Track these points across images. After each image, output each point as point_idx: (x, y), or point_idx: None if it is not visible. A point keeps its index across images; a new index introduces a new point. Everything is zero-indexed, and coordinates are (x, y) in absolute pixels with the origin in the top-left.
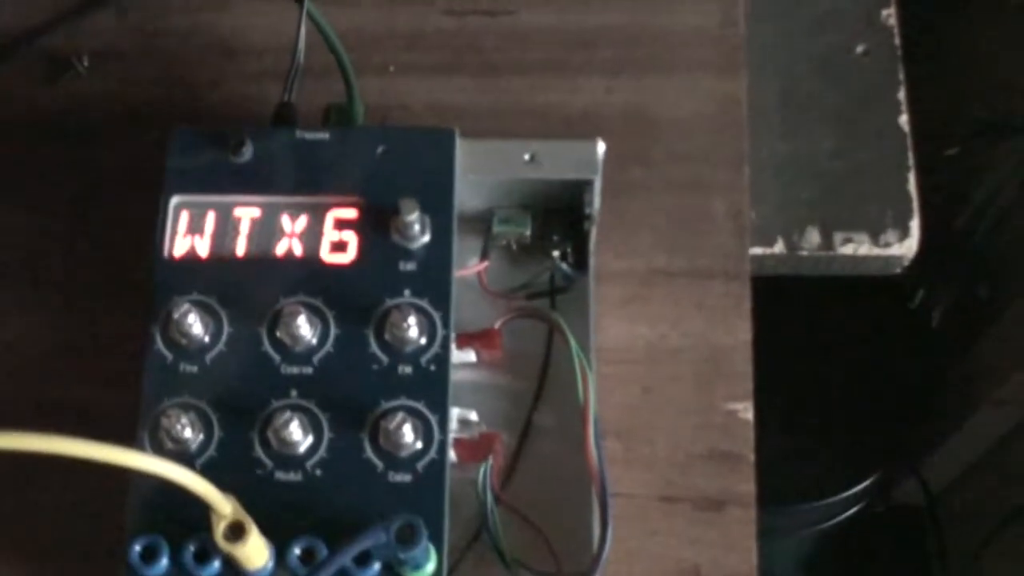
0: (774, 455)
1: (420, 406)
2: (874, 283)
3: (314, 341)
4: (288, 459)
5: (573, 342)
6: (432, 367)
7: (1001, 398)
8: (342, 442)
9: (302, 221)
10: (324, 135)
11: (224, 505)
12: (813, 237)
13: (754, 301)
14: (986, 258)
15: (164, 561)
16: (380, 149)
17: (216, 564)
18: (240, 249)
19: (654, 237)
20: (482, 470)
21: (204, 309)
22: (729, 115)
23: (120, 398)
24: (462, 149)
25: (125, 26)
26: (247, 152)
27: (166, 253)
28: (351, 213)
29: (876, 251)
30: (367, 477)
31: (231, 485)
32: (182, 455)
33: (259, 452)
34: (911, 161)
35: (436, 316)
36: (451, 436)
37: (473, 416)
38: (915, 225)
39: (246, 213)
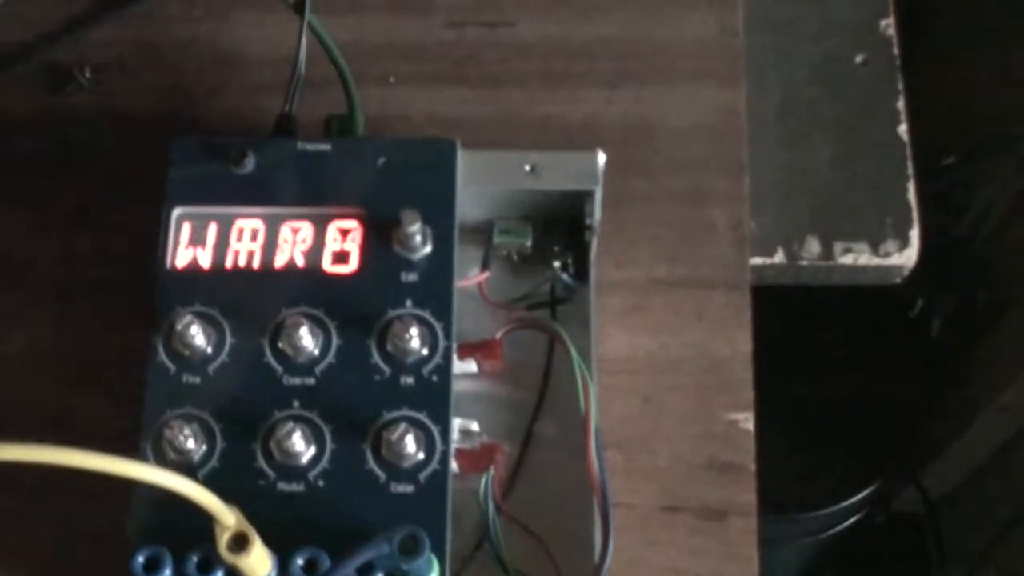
0: (774, 464)
1: (422, 417)
2: (874, 292)
3: (316, 352)
4: (290, 470)
5: (574, 352)
6: (434, 378)
7: (1001, 406)
8: (344, 453)
9: (304, 232)
10: (326, 146)
11: (228, 516)
12: (813, 247)
13: (754, 311)
14: (985, 266)
15: (167, 572)
16: (381, 160)
17: (219, 575)
18: (242, 260)
19: (654, 247)
20: (483, 480)
21: (206, 320)
22: (729, 125)
23: (121, 409)
24: (463, 160)
25: (127, 38)
26: (249, 163)
27: (168, 264)
28: (353, 224)
29: (876, 261)
30: (369, 488)
31: (233, 496)
32: (185, 466)
33: (261, 463)
34: (910, 171)
35: (438, 327)
36: (453, 447)
37: (474, 426)
38: (915, 235)
39: (248, 224)
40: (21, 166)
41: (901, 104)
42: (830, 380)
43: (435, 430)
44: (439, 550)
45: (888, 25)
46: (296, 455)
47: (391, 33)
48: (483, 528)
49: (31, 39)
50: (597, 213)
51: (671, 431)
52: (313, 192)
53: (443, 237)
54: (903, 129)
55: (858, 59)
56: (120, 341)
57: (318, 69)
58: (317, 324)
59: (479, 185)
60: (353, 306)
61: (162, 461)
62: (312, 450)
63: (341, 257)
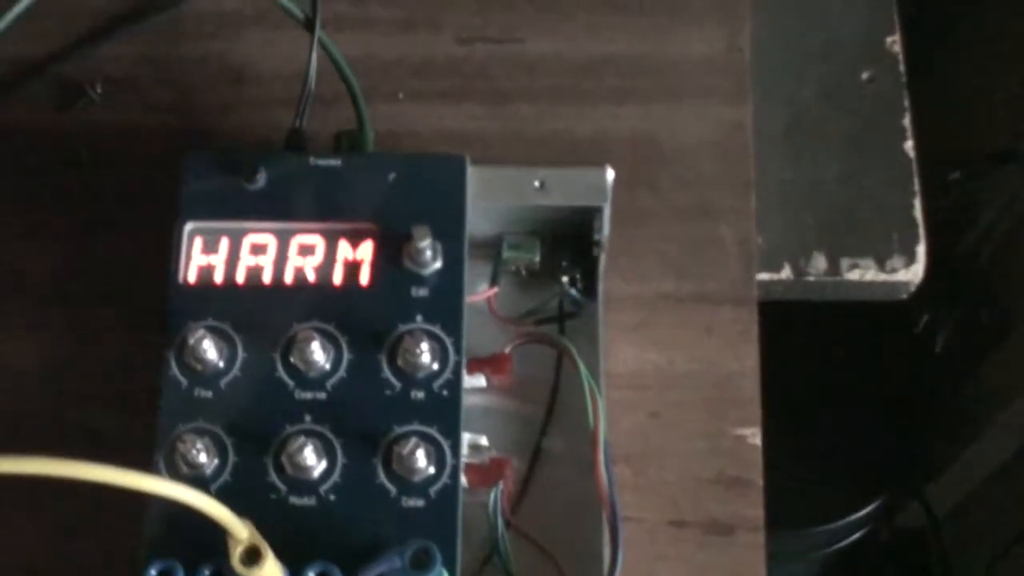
0: (780, 479)
1: (433, 431)
2: (879, 308)
3: (327, 366)
4: (302, 484)
5: (582, 367)
6: (444, 392)
7: (1005, 422)
8: (355, 467)
9: (315, 247)
10: (336, 161)
11: (241, 530)
12: (820, 263)
13: (761, 326)
14: (990, 282)
15: None
16: (392, 175)
17: None
18: (253, 275)
19: (662, 263)
20: (492, 495)
21: (218, 335)
22: (735, 141)
23: (134, 422)
24: (472, 176)
25: (138, 54)
26: (261, 178)
27: (181, 279)
28: (363, 239)
29: (883, 277)
30: (380, 502)
31: (245, 510)
32: (197, 480)
33: (273, 477)
34: (917, 187)
35: (448, 342)
36: (463, 461)
37: (483, 441)
38: (921, 251)
39: (259, 239)
40: (33, 181)
41: (907, 120)
42: (835, 394)
43: (445, 444)
44: (450, 564)
45: (894, 42)
46: (308, 469)
47: (400, 49)
48: (492, 542)
49: (42, 54)
50: (606, 229)
51: (679, 446)
52: (324, 207)
53: (453, 252)
54: (909, 145)
55: (864, 76)
56: (132, 355)
57: (328, 85)
58: (328, 339)
59: (488, 201)
60: (364, 321)
61: (175, 475)
62: (323, 464)
63: (352, 272)
